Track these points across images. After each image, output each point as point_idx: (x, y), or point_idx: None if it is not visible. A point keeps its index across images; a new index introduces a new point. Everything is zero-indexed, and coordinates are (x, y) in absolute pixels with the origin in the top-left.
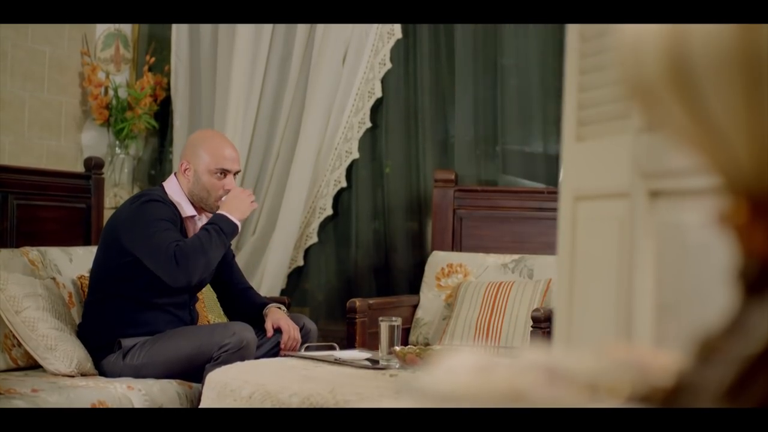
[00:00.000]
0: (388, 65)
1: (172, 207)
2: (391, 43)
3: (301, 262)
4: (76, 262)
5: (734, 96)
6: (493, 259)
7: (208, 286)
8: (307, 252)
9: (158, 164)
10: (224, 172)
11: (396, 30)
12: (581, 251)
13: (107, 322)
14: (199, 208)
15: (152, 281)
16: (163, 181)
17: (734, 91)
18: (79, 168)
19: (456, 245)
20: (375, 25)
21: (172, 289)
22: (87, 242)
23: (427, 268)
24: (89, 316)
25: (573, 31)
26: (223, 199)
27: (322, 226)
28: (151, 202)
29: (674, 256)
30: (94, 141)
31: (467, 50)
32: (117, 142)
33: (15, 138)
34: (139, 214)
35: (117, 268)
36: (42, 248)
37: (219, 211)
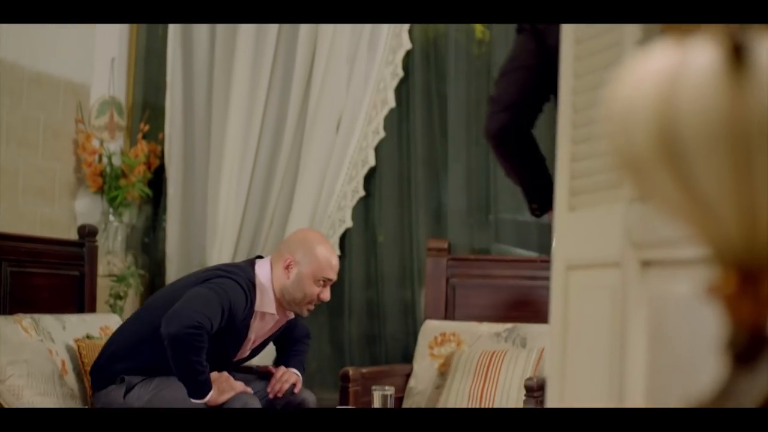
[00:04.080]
0: (382, 134)
1: (250, 299)
2: (385, 111)
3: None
4: (70, 329)
5: (722, 169)
6: (486, 328)
7: None
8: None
9: (152, 232)
10: (326, 282)
11: (389, 99)
12: (574, 320)
13: (131, 337)
14: (280, 307)
15: (215, 348)
16: (257, 259)
17: (722, 164)
18: (73, 235)
19: (449, 314)
20: (369, 93)
21: (223, 351)
22: (80, 309)
23: (420, 336)
24: (125, 332)
25: (565, 101)
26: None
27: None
28: (235, 288)
29: (665, 325)
30: (87, 208)
31: (460, 118)
32: (111, 210)
33: (8, 205)
34: (216, 284)
35: None
36: (36, 315)
37: (202, 401)
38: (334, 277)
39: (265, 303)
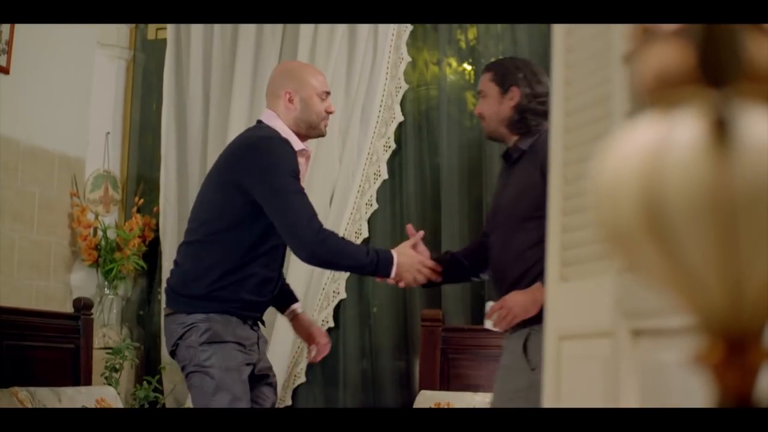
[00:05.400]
0: (375, 206)
1: (290, 146)
2: (378, 183)
3: (289, 402)
4: (65, 401)
5: (708, 240)
6: (481, 398)
7: None
8: (295, 392)
9: (147, 305)
10: (327, 96)
11: (382, 171)
12: (566, 389)
13: (204, 268)
14: (304, 137)
15: (268, 227)
16: (257, 122)
17: (708, 236)
18: (68, 308)
19: (443, 384)
20: (361, 165)
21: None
22: (76, 382)
23: (414, 407)
24: (185, 260)
25: (556, 172)
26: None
27: (310, 365)
28: (280, 145)
29: (656, 393)
30: (82, 281)
31: (453, 189)
32: (106, 283)
33: (4, 278)
34: (268, 161)
35: (233, 210)
36: (31, 388)
37: (392, 267)
38: (329, 87)
39: (294, 143)
